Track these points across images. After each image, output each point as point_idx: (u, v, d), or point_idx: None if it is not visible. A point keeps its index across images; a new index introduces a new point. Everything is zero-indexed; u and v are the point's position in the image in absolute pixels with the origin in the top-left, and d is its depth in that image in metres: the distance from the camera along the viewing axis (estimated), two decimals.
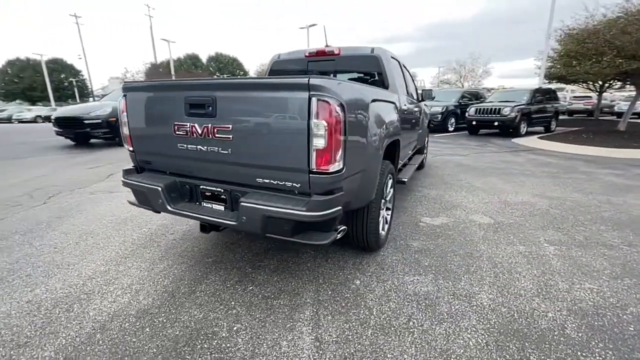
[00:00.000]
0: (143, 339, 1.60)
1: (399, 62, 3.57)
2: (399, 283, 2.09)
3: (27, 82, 44.64)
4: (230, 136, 1.68)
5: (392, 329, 1.67)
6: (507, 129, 9.77)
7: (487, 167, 5.60)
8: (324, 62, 3.16)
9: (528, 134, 10.25)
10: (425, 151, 5.41)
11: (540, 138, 9.33)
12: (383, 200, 2.51)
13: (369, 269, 2.26)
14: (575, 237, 2.79)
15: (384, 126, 2.16)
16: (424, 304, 1.87)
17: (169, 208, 1.91)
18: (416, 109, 3.90)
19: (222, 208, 1.89)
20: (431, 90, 4.50)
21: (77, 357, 1.49)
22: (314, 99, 1.46)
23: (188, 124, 1.77)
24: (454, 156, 6.69)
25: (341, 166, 1.61)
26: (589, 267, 2.28)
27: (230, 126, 1.66)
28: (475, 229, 2.95)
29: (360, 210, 2.20)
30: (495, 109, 9.76)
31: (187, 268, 2.27)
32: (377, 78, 2.93)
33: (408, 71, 4.29)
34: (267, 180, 1.69)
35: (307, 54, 3.15)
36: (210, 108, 1.68)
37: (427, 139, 5.47)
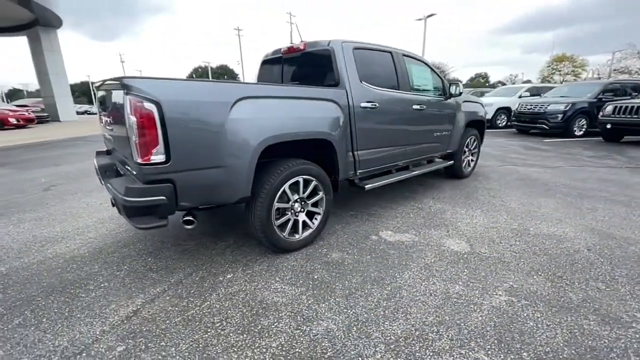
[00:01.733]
0: (49, 276, 2.16)
1: (391, 54, 3.15)
2: (261, 287, 2.01)
3: None
4: (112, 127, 2.03)
5: (197, 324, 1.69)
6: None
7: (563, 185, 4.17)
8: (293, 58, 3.15)
9: None
10: (468, 157, 4.51)
11: None
12: (297, 204, 2.40)
13: (255, 268, 2.24)
14: (567, 293, 1.92)
15: (268, 124, 2.07)
16: (254, 312, 1.78)
17: (101, 182, 2.44)
18: (421, 108, 3.34)
19: None
20: (457, 83, 3.72)
21: (12, 274, 2.17)
22: (127, 97, 1.63)
23: (104, 116, 2.23)
24: (533, 167, 5.21)
25: (163, 159, 1.72)
26: (523, 335, 1.59)
27: (110, 118, 2.01)
28: (428, 254, 2.41)
29: (250, 207, 2.20)
30: None
31: (133, 235, 2.80)
32: (332, 72, 2.72)
33: (429, 66, 3.71)
34: (128, 167, 1.96)
35: (282, 51, 3.20)
36: (106, 103, 2.07)
37: (473, 143, 4.51)
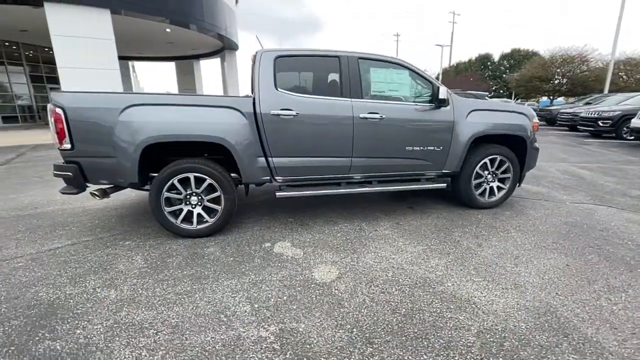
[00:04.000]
0: (60, 217, 3.37)
1: (339, 59, 2.92)
2: (128, 256, 2.49)
3: None
4: None
5: (62, 265, 2.35)
6: None
7: (636, 245, 2.58)
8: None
9: None
10: (492, 183, 3.45)
11: None
12: (194, 197, 2.74)
13: (148, 242, 2.75)
14: None
15: (150, 127, 2.50)
16: (93, 269, 2.29)
17: None
18: (378, 117, 2.92)
19: None
20: (440, 87, 2.96)
21: (53, 213, 3.52)
22: (49, 105, 2.46)
23: None
24: (634, 213, 3.32)
25: (69, 147, 2.47)
26: None
27: None
28: (281, 272, 2.26)
29: None
30: None
31: (131, 202, 3.84)
32: None
33: (411, 69, 3.17)
34: None
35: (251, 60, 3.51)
36: None
37: (499, 165, 3.39)
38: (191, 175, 2.68)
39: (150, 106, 2.56)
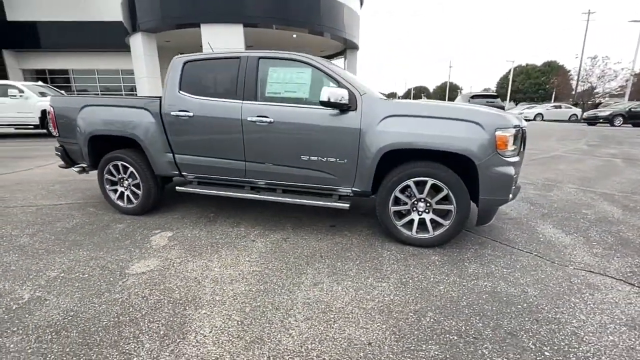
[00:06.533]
0: (62, 184, 4.71)
1: (239, 60, 2.86)
2: (64, 215, 3.34)
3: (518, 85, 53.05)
4: None
5: (31, 217, 3.41)
6: None
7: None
8: None
9: None
10: (426, 215, 2.60)
11: None
12: (126, 182, 3.37)
13: (97, 214, 3.55)
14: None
15: (94, 122, 3.20)
16: (40, 220, 3.21)
17: None
18: (268, 121, 2.72)
19: None
20: (335, 88, 2.39)
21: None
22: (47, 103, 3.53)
23: None
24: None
25: (58, 135, 3.50)
26: None
27: None
28: (123, 253, 2.54)
29: None
30: None
31: None
32: None
33: (317, 67, 2.79)
34: None
35: None
36: None
37: (434, 192, 2.44)
38: (119, 163, 3.30)
39: (94, 107, 3.30)
